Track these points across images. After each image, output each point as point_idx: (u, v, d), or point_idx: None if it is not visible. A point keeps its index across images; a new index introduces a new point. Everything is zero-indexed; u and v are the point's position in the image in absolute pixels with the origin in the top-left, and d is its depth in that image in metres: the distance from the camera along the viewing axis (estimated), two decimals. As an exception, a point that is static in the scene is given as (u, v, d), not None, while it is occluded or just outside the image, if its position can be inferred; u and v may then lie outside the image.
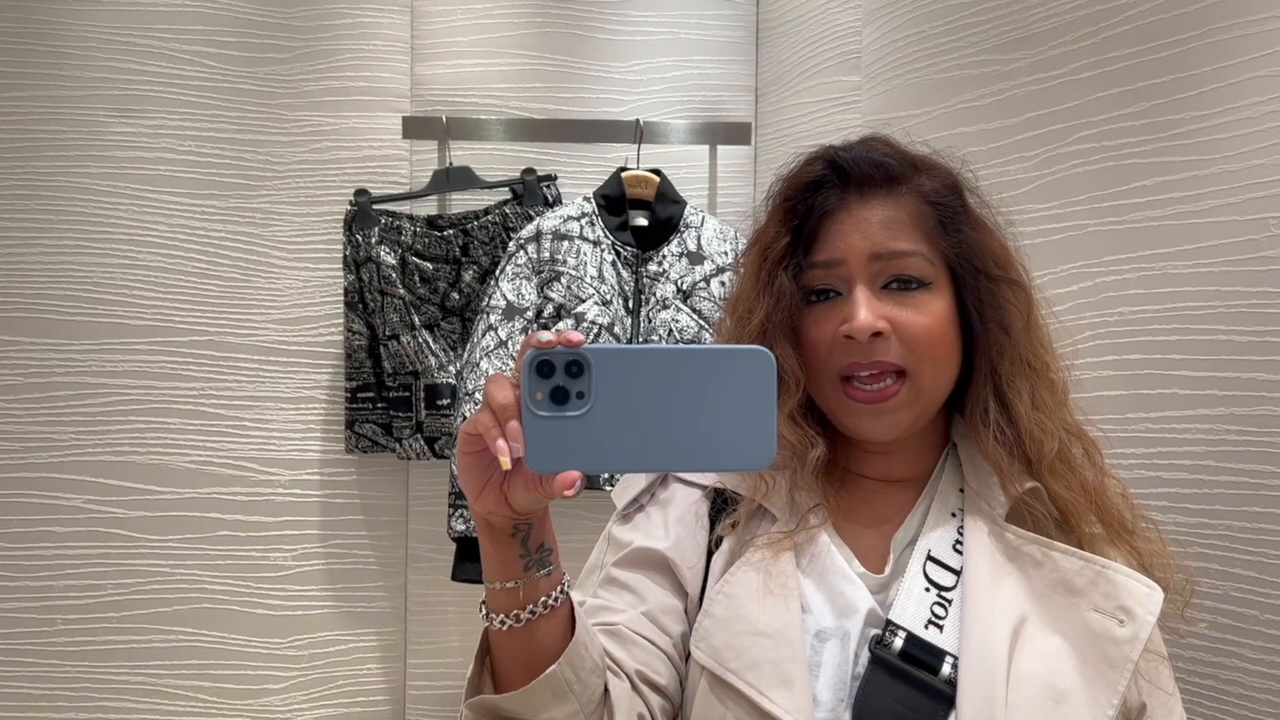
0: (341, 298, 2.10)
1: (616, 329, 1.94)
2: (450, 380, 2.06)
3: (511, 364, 1.84)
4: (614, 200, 2.03)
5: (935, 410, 0.94)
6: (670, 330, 1.94)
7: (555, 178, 2.13)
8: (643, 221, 2.05)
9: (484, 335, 1.94)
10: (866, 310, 0.87)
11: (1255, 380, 1.21)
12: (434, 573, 2.15)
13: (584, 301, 1.94)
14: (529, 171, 2.10)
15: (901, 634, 0.84)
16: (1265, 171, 1.20)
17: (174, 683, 2.10)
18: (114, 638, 2.09)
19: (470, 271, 2.07)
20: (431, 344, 2.06)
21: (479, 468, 0.68)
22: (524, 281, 1.96)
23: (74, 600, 2.08)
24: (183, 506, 2.11)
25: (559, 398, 0.63)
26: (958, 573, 0.88)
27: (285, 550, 2.14)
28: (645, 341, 1.97)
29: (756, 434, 0.64)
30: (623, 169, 2.07)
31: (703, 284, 1.99)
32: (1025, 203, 1.48)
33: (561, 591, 0.75)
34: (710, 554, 0.93)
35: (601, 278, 1.96)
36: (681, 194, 2.07)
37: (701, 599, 0.90)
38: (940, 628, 0.85)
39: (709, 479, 0.97)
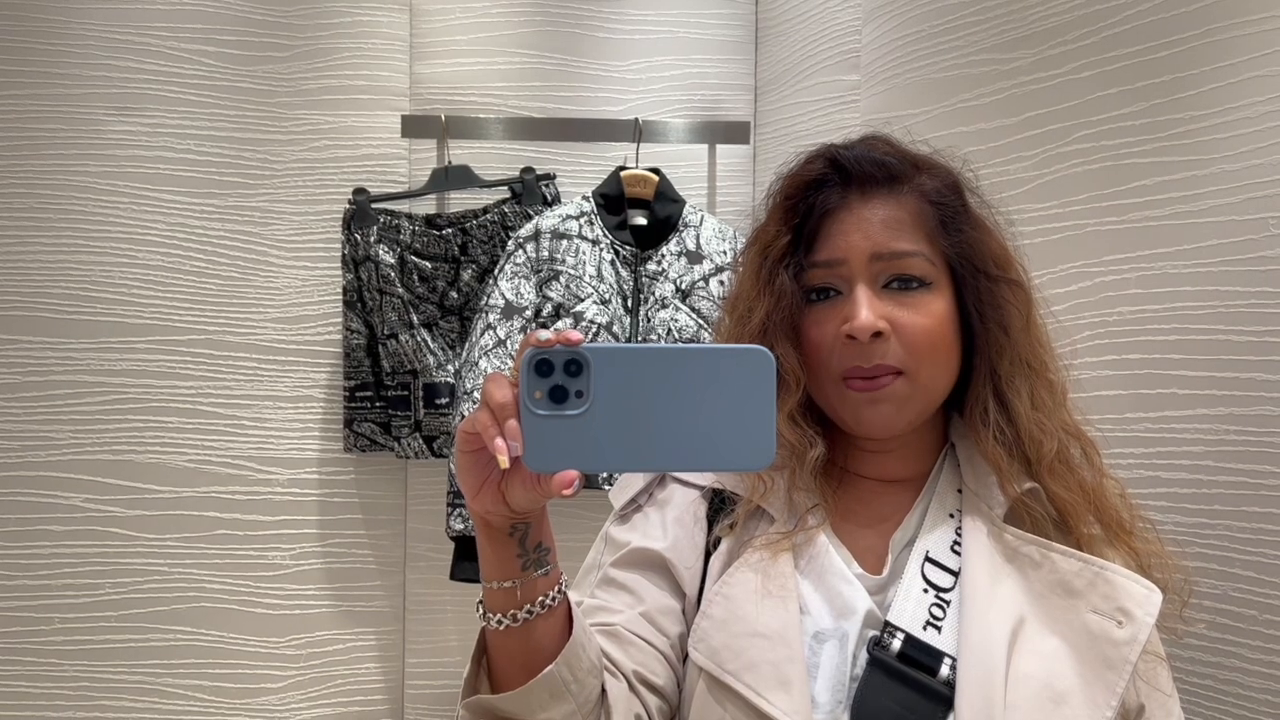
0: (340, 296, 2.09)
1: (615, 328, 1.94)
2: (449, 379, 2.06)
3: (510, 363, 1.84)
4: (613, 199, 2.03)
5: (934, 409, 0.93)
6: (669, 329, 1.94)
7: (554, 176, 2.13)
8: (641, 220, 2.05)
9: (482, 334, 1.94)
10: (868, 310, 0.87)
11: (1254, 380, 1.21)
12: (432, 572, 2.15)
13: (583, 300, 1.93)
14: (528, 170, 2.10)
15: (900, 635, 0.84)
16: (1264, 171, 1.20)
17: (172, 682, 2.10)
18: (112, 637, 2.08)
19: (469, 270, 2.07)
20: (430, 343, 2.06)
21: (477, 467, 0.68)
22: (523, 280, 1.96)
23: (72, 599, 2.08)
24: (181, 505, 2.10)
25: (557, 397, 0.63)
26: (955, 574, 0.88)
27: (283, 549, 2.14)
28: (644, 341, 1.97)
29: (756, 434, 0.64)
30: (621, 168, 2.07)
31: (702, 283, 1.98)
32: (1024, 202, 1.48)
33: (559, 591, 0.75)
34: (708, 555, 0.93)
35: (600, 277, 1.96)
36: (680, 193, 2.07)
37: (699, 600, 0.90)
38: (938, 629, 0.85)
39: (707, 479, 0.97)
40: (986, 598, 0.84)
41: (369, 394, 2.09)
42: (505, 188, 2.11)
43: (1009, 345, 0.92)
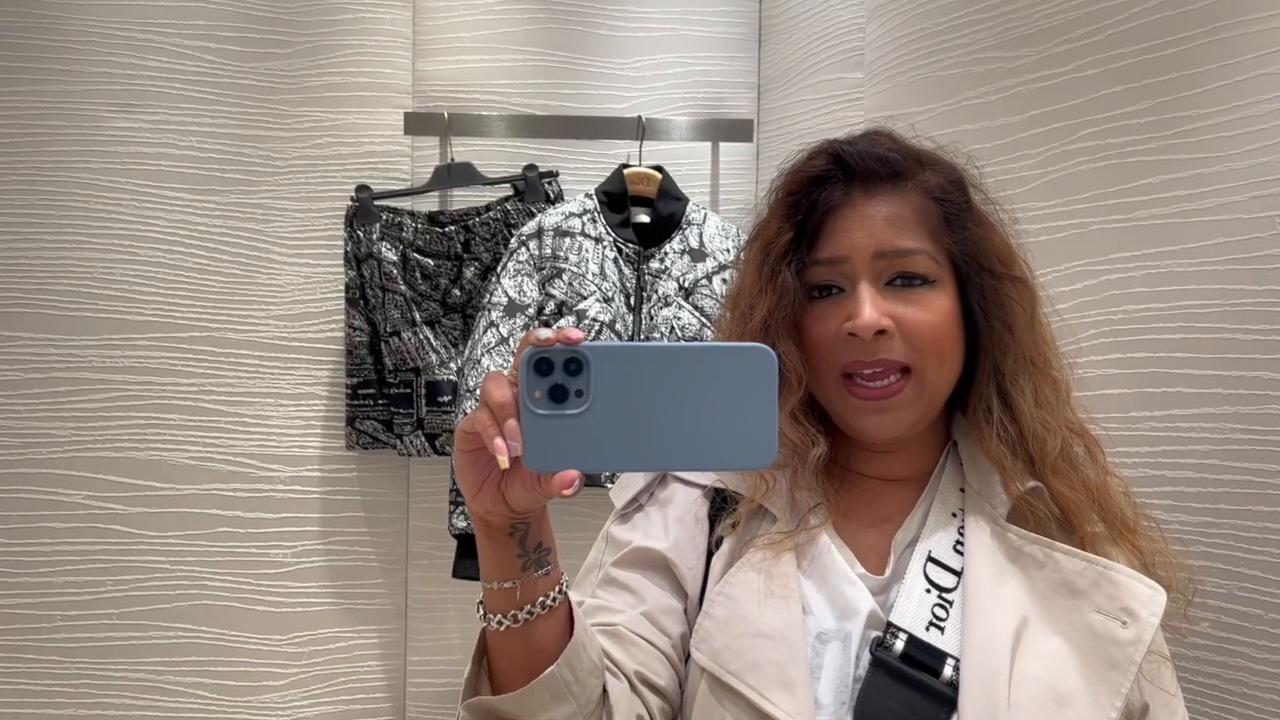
0: (342, 294, 2.09)
1: (618, 326, 1.94)
2: (451, 377, 2.06)
3: (513, 361, 1.84)
4: (616, 197, 2.03)
5: (938, 408, 0.93)
6: (672, 327, 1.94)
7: (557, 174, 2.12)
8: (644, 218, 2.04)
9: (485, 332, 1.94)
10: (871, 308, 0.86)
11: (1260, 379, 1.21)
12: (434, 570, 2.15)
13: (585, 298, 1.93)
14: (531, 168, 2.10)
15: (902, 636, 0.83)
16: (1270, 169, 1.20)
17: (174, 679, 2.10)
18: (113, 634, 2.08)
19: (471, 268, 2.07)
20: (432, 340, 2.06)
21: (477, 466, 0.67)
22: (525, 278, 1.96)
23: (73, 596, 2.08)
24: (182, 503, 2.10)
25: (557, 396, 0.62)
26: (958, 574, 0.87)
27: (285, 546, 2.13)
28: (647, 339, 1.96)
29: (757, 433, 0.63)
30: (625, 165, 2.06)
31: (705, 281, 1.98)
32: (1029, 200, 1.47)
33: (560, 592, 0.74)
34: (710, 554, 0.92)
35: (603, 274, 1.96)
36: (683, 191, 2.07)
37: (701, 600, 0.90)
38: (941, 629, 0.84)
39: (708, 478, 0.96)
40: (990, 598, 0.84)
41: (371, 391, 2.08)
42: (508, 185, 2.11)
43: (1013, 343, 0.91)
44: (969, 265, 0.91)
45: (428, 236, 2.06)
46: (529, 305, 1.95)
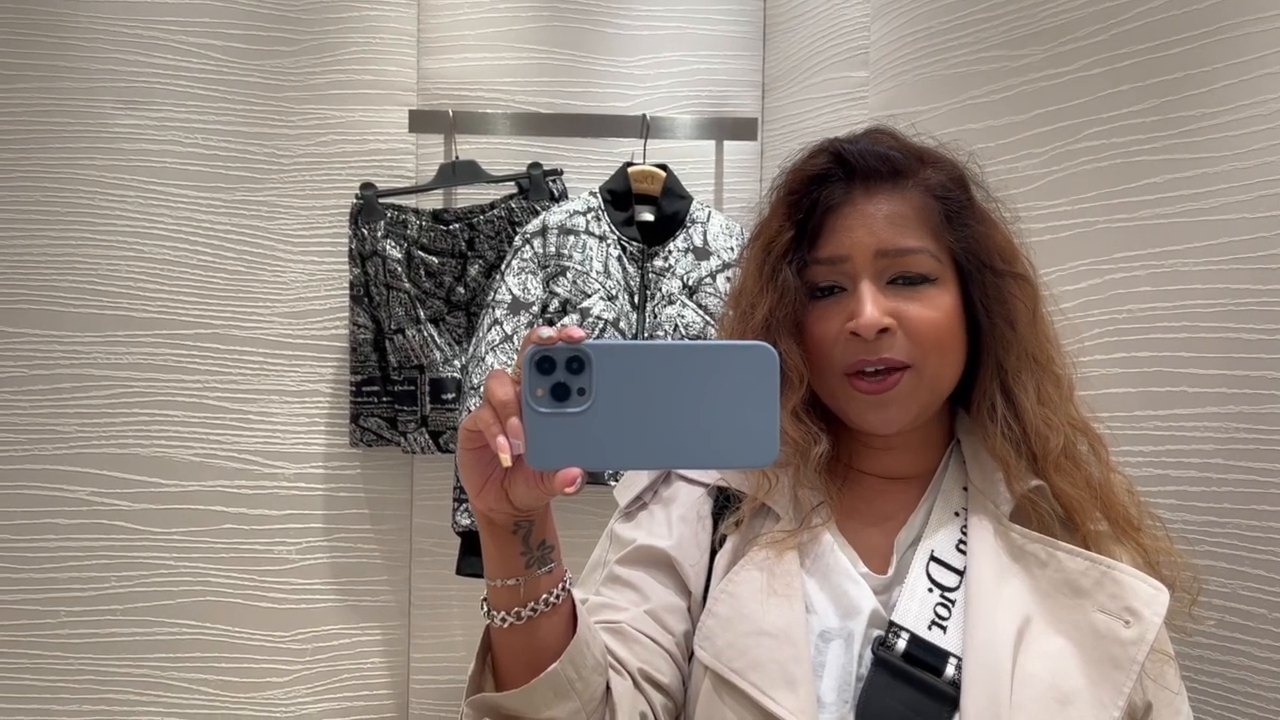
0: (347, 291, 2.09)
1: (622, 324, 1.94)
2: (455, 374, 2.06)
3: (516, 359, 1.84)
4: (620, 195, 2.03)
5: (940, 403, 0.93)
6: (676, 325, 1.94)
7: (561, 172, 2.12)
8: (649, 216, 2.04)
9: (489, 330, 1.94)
10: (873, 307, 0.86)
11: (1265, 378, 1.20)
12: (438, 567, 2.15)
13: (589, 296, 1.93)
14: (535, 166, 2.10)
15: (905, 635, 0.84)
16: (1275, 169, 1.19)
17: (178, 675, 2.10)
18: (118, 630, 2.09)
19: (476, 266, 2.07)
20: (437, 338, 2.06)
21: (480, 464, 0.68)
22: (529, 276, 1.96)
23: (78, 593, 2.08)
24: (187, 499, 2.11)
25: (560, 394, 0.63)
26: (961, 573, 0.87)
27: (289, 544, 2.14)
28: (650, 337, 1.96)
29: (759, 431, 0.63)
30: (629, 164, 2.06)
31: (709, 279, 1.98)
32: (1034, 199, 1.47)
33: (563, 589, 0.74)
34: (713, 552, 0.93)
35: (607, 273, 1.96)
36: (688, 189, 2.07)
37: (705, 598, 0.90)
38: (944, 628, 0.84)
39: (711, 476, 0.96)
40: (992, 597, 0.84)
41: (375, 389, 2.09)
42: (512, 183, 2.11)
43: (1015, 340, 0.91)
44: (971, 263, 0.91)
45: (432, 234, 2.06)
46: (533, 303, 1.95)
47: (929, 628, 0.84)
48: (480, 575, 1.94)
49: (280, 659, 2.13)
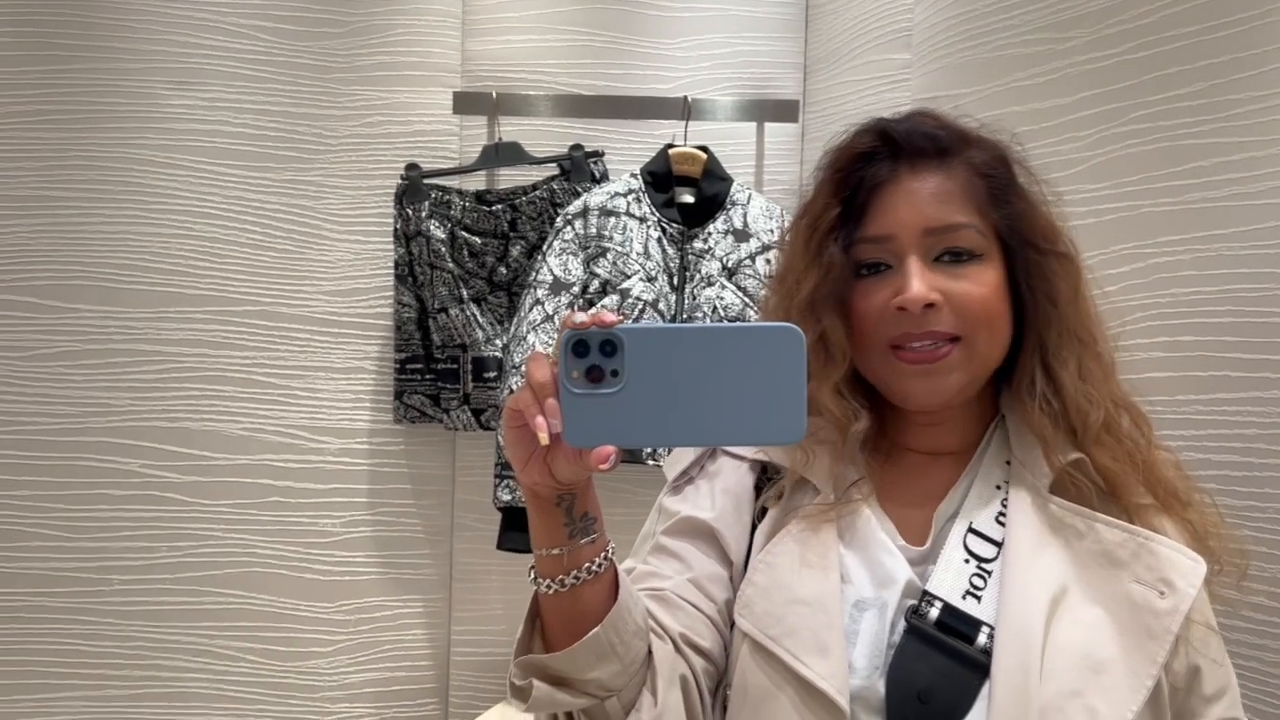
0: (392, 270, 2.13)
1: (661, 305, 1.96)
2: (497, 353, 2.09)
3: (555, 340, 1.86)
4: (660, 177, 2.04)
5: (985, 378, 0.93)
6: (715, 307, 1.95)
7: (602, 154, 2.14)
8: (689, 198, 2.05)
9: (530, 310, 1.96)
10: (920, 282, 0.87)
11: (1309, 364, 1.20)
12: (479, 541, 2.19)
13: (629, 277, 1.95)
14: (576, 147, 2.12)
15: (938, 604, 0.85)
16: (1325, 152, 1.18)
17: (224, 643, 2.16)
18: (168, 599, 2.15)
19: (518, 246, 2.09)
20: (479, 317, 2.09)
21: (523, 442, 0.71)
22: (570, 257, 1.98)
23: (130, 561, 2.14)
24: (235, 472, 2.16)
25: (594, 376, 0.66)
26: (999, 544, 0.88)
27: (334, 517, 2.18)
28: (689, 318, 1.98)
29: (786, 409, 0.66)
30: (670, 145, 2.07)
31: (748, 261, 1.99)
32: (1078, 183, 1.47)
33: (605, 558, 0.77)
34: (755, 524, 0.95)
35: (647, 254, 1.98)
36: (728, 171, 2.08)
37: (745, 567, 0.92)
38: (978, 598, 0.85)
39: (752, 451, 0.98)
40: (1028, 567, 0.85)
41: (419, 367, 2.12)
42: (554, 165, 2.13)
43: (1057, 317, 0.92)
44: (1014, 240, 0.92)
45: (475, 215, 2.09)
46: (574, 284, 1.97)
47: (963, 597, 0.85)
48: (520, 550, 1.98)
49: (324, 629, 2.18)
